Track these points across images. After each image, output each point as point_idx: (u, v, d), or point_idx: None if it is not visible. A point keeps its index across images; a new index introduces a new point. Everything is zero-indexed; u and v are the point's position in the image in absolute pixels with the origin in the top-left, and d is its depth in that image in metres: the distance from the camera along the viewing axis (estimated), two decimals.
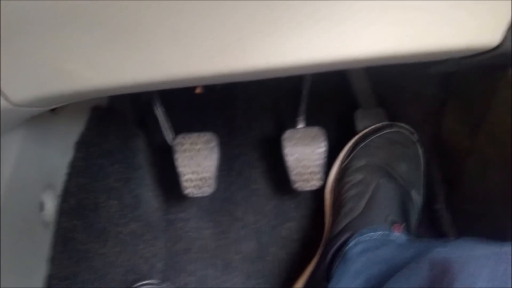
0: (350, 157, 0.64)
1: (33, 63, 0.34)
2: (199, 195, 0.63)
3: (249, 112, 0.76)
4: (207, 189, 0.62)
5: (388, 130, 0.64)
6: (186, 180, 0.62)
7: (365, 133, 0.65)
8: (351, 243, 0.53)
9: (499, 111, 0.54)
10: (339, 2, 0.31)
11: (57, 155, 0.61)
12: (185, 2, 0.31)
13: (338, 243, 0.55)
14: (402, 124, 0.65)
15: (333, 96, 0.77)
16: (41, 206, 0.58)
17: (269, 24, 0.32)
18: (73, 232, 0.61)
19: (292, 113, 0.71)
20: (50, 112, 0.56)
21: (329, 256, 0.54)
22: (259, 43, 0.33)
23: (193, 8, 0.31)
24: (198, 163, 0.61)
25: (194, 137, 0.61)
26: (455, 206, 0.66)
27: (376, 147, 0.63)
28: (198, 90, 0.79)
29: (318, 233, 0.65)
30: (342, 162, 0.65)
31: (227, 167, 0.74)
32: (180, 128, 0.65)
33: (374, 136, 0.64)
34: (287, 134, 0.63)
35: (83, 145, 0.64)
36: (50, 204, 0.60)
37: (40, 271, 0.58)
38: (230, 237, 0.70)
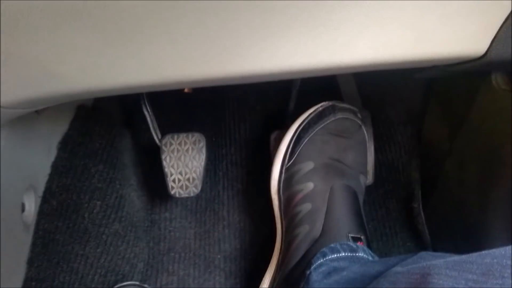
0: (295, 156, 0.59)
1: (23, 65, 0.33)
2: (185, 195, 0.62)
3: (238, 112, 0.76)
4: (194, 189, 0.62)
5: (332, 119, 0.58)
6: (173, 181, 0.62)
7: (306, 121, 0.59)
8: (316, 263, 0.50)
9: (479, 115, 0.56)
10: (334, 9, 0.31)
11: (39, 155, 0.60)
12: (181, 5, 0.31)
13: (301, 271, 0.52)
14: (344, 105, 0.60)
15: (319, 98, 0.78)
16: (23, 207, 0.57)
17: (265, 29, 0.32)
18: (54, 233, 0.60)
19: (280, 114, 0.72)
20: (33, 112, 0.55)
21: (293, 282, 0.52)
22: (255, 48, 0.33)
23: (190, 11, 0.31)
24: (185, 163, 0.61)
25: (182, 137, 0.61)
26: (431, 206, 0.68)
27: (322, 142, 0.58)
28: (186, 90, 0.78)
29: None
30: (285, 158, 0.59)
31: (213, 167, 0.74)
32: (168, 127, 0.64)
33: (318, 128, 0.58)
34: (275, 135, 0.64)
35: (67, 145, 0.63)
36: (32, 205, 0.59)
37: (19, 273, 0.57)
38: (213, 237, 0.70)
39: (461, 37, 0.33)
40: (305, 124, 0.59)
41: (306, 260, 0.52)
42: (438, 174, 0.66)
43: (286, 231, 0.58)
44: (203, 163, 0.61)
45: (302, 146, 0.58)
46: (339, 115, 0.59)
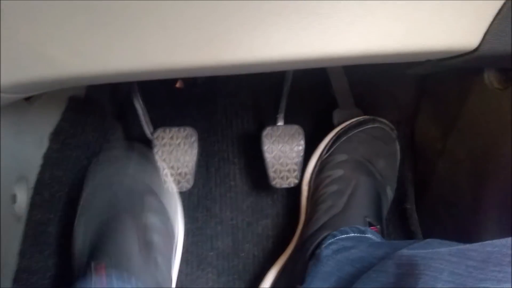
0: (331, 150, 0.64)
1: (13, 47, 0.33)
2: (177, 190, 0.62)
3: (230, 108, 0.76)
4: (185, 184, 0.62)
5: (370, 125, 0.65)
6: (165, 175, 0.61)
7: (348, 126, 0.66)
8: (326, 243, 0.53)
9: (471, 115, 0.56)
10: None
11: (31, 146, 0.60)
12: None
13: (316, 242, 0.55)
14: (384, 120, 0.66)
15: (312, 95, 0.78)
16: (13, 199, 0.56)
17: (257, 17, 0.32)
18: (46, 225, 0.60)
19: (272, 111, 0.72)
20: (25, 101, 0.55)
21: (307, 255, 0.55)
22: (247, 36, 0.33)
23: None
24: (177, 157, 0.61)
25: (174, 131, 0.61)
26: (424, 206, 0.68)
27: (358, 141, 0.63)
28: (178, 85, 0.78)
29: (293, 231, 0.65)
30: (322, 154, 0.64)
31: (205, 163, 0.74)
32: (159, 122, 0.64)
33: (357, 130, 0.64)
34: (267, 131, 0.64)
35: (59, 136, 0.62)
36: (23, 197, 0.58)
37: (11, 264, 0.56)
38: (206, 233, 0.70)
39: (453, 30, 0.33)
40: (346, 128, 0.65)
41: (321, 233, 0.55)
42: (431, 174, 0.66)
43: (309, 212, 0.61)
44: (195, 158, 0.61)
45: (339, 142, 0.64)
46: (378, 124, 0.65)
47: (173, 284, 0.58)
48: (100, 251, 0.49)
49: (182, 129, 0.61)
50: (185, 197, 0.72)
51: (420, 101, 0.67)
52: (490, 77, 0.52)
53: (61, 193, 0.61)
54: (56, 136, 0.62)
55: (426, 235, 0.68)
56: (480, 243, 0.33)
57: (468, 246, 0.34)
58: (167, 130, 0.61)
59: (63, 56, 0.33)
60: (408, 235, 0.69)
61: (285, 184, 0.64)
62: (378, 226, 0.57)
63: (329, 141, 0.65)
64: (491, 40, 0.34)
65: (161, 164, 0.60)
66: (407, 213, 0.69)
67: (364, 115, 0.71)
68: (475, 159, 0.56)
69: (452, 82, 0.59)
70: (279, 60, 0.35)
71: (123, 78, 0.37)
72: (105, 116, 0.69)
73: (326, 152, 0.64)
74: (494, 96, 0.51)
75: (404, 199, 0.69)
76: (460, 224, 0.61)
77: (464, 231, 0.59)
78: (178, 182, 0.62)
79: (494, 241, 0.32)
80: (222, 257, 0.69)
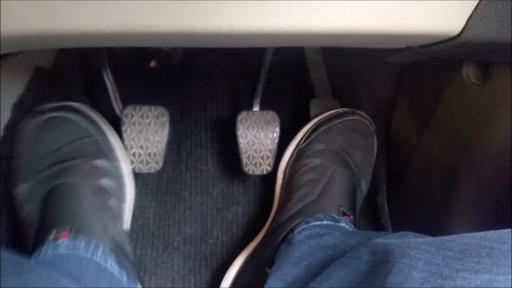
0: (309, 140, 0.63)
1: None
2: (145, 171, 0.60)
3: (205, 91, 0.74)
4: (154, 165, 0.60)
5: (350, 118, 0.64)
6: (133, 154, 0.59)
7: (327, 117, 0.65)
8: (299, 228, 0.52)
9: (447, 110, 0.56)
10: None
11: None
12: None
13: (289, 228, 0.54)
14: (363, 113, 0.66)
15: (290, 84, 0.77)
16: None
17: None
18: (3, 198, 0.56)
19: (248, 97, 0.70)
20: None
21: (278, 240, 0.54)
22: (223, 3, 0.31)
23: None
24: (147, 137, 0.58)
25: (145, 109, 0.58)
26: (396, 201, 0.68)
27: (337, 132, 0.63)
28: (152, 64, 0.75)
29: (263, 219, 0.64)
30: (300, 143, 0.64)
31: (177, 146, 0.71)
32: (130, 101, 0.61)
33: (336, 121, 0.64)
34: (242, 116, 0.62)
35: (21, 108, 0.59)
36: None
37: None
38: (173, 218, 0.68)
39: (436, 12, 0.32)
40: (325, 118, 0.65)
41: (294, 220, 0.55)
42: (404, 168, 0.66)
43: (283, 200, 0.60)
44: (165, 139, 0.59)
45: (318, 132, 0.63)
46: (357, 117, 0.65)
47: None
48: (58, 217, 0.49)
49: (153, 108, 0.59)
50: (154, 180, 0.70)
51: (397, 95, 0.67)
52: (468, 72, 0.51)
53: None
54: (19, 107, 0.59)
55: (395, 230, 0.68)
56: (458, 235, 0.32)
57: (446, 237, 0.33)
58: (137, 108, 0.58)
59: (23, 10, 0.31)
60: (378, 228, 0.69)
61: (257, 171, 0.63)
62: (351, 217, 0.56)
63: (308, 131, 0.64)
64: (474, 26, 0.33)
65: (129, 143, 0.58)
66: (378, 207, 0.69)
67: (341, 106, 0.70)
68: (449, 154, 0.56)
69: (430, 76, 0.59)
70: (257, 33, 0.33)
71: (90, 42, 0.35)
72: (72, 91, 0.66)
73: (304, 141, 0.64)
74: (471, 92, 0.51)
75: (375, 192, 0.69)
76: (430, 219, 0.61)
77: (434, 226, 0.59)
78: (146, 163, 0.59)
79: (473, 233, 0.32)
80: (189, 243, 0.67)
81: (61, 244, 0.46)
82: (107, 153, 0.56)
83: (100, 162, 0.55)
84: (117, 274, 0.48)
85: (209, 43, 0.36)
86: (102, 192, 0.53)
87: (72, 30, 0.31)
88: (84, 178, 0.52)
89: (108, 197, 0.54)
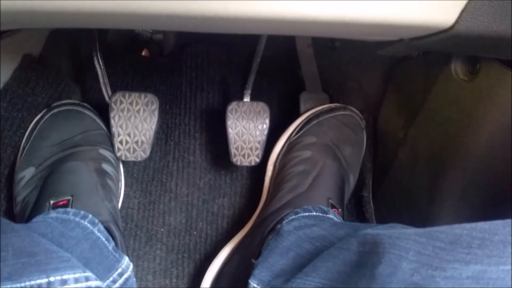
0: (301, 132, 0.64)
1: None
2: (132, 159, 0.59)
3: (195, 81, 0.74)
4: (141, 154, 0.59)
5: (341, 112, 0.66)
6: (120, 142, 0.58)
7: (319, 111, 0.66)
8: (288, 219, 0.52)
9: (435, 105, 0.57)
10: None
11: None
12: None
13: (278, 218, 0.54)
14: (354, 109, 0.67)
15: (281, 76, 0.77)
16: None
17: None
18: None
19: (239, 88, 0.70)
20: None
21: (266, 230, 0.54)
22: None
23: None
24: (135, 125, 0.58)
25: (134, 96, 0.58)
26: (381, 195, 0.69)
27: (328, 126, 0.64)
28: (144, 53, 0.74)
29: (249, 211, 0.64)
30: (291, 135, 0.65)
31: (165, 136, 0.71)
32: (120, 89, 0.60)
33: (328, 116, 0.65)
34: (232, 106, 0.62)
35: (6, 95, 0.57)
36: None
37: None
38: (158, 208, 0.67)
39: (431, 4, 0.33)
40: (317, 112, 0.66)
41: (283, 211, 0.55)
42: (390, 163, 0.67)
43: (273, 191, 0.61)
44: (154, 127, 0.58)
45: (309, 125, 0.64)
46: (348, 112, 0.66)
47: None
48: (58, 190, 0.52)
49: (143, 95, 0.58)
50: (140, 169, 0.69)
51: (386, 90, 0.67)
52: (457, 68, 0.52)
53: (2, 155, 0.57)
54: (4, 94, 0.57)
55: (380, 223, 0.68)
56: (448, 225, 0.32)
57: (436, 228, 0.33)
58: (127, 95, 0.57)
59: None
60: (362, 222, 0.70)
61: (246, 162, 0.63)
62: (340, 210, 0.57)
63: (299, 124, 0.65)
64: (467, 19, 0.33)
65: (116, 130, 0.57)
66: (364, 201, 0.70)
67: (330, 100, 0.71)
68: (436, 149, 0.57)
69: (419, 72, 0.60)
70: (252, 17, 0.33)
71: (81, 22, 0.34)
72: (61, 78, 0.64)
73: (296, 134, 0.64)
74: (458, 88, 0.52)
75: (361, 186, 0.70)
76: (415, 214, 0.61)
77: (419, 220, 0.60)
78: (133, 151, 0.59)
79: (464, 224, 0.31)
80: (173, 234, 0.66)
81: (53, 211, 0.48)
82: (112, 145, 0.60)
83: (105, 152, 0.58)
84: (103, 240, 0.49)
85: (204, 27, 0.36)
86: (104, 173, 0.56)
87: (66, 7, 0.31)
88: (88, 160, 0.55)
89: (109, 178, 0.56)
